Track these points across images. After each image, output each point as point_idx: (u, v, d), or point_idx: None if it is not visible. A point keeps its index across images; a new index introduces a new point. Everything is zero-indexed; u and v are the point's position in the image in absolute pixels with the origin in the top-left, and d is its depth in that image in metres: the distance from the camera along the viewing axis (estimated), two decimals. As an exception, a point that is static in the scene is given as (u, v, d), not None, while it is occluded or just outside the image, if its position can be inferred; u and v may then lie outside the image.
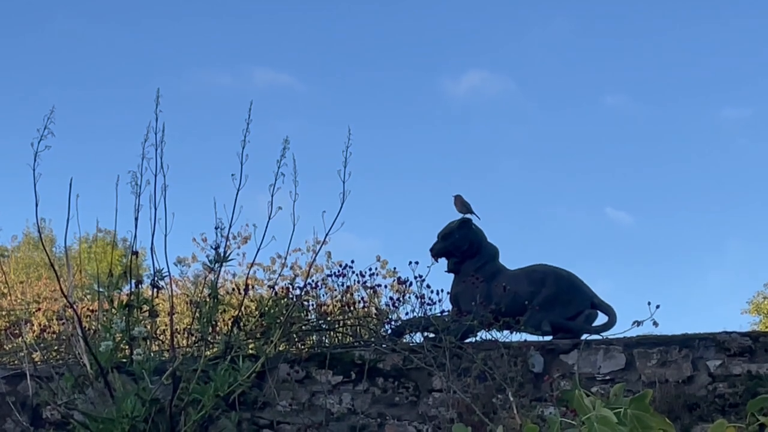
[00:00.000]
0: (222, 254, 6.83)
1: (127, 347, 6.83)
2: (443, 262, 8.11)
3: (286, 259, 8.50)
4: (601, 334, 7.55)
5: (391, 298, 8.02)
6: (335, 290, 8.44)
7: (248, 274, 8.66)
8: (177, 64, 36.28)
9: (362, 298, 8.36)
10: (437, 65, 35.22)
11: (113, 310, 6.82)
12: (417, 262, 7.86)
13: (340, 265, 8.36)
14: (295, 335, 7.63)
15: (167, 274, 6.85)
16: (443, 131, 33.44)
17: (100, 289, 7.00)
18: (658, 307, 7.03)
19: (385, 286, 8.51)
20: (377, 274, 8.57)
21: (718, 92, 34.14)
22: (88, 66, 37.23)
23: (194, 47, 36.05)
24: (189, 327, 7.70)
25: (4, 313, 13.86)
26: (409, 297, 7.88)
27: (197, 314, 7.05)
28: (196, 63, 36.74)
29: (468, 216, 8.17)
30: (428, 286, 7.84)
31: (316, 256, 8.06)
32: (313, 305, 8.00)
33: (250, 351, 7.15)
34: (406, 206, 30.16)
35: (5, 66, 37.04)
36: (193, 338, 7.41)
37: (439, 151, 32.69)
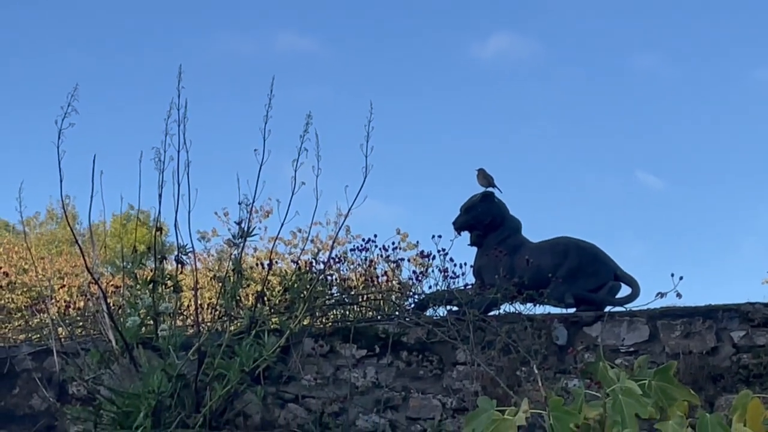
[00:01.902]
0: (245, 229, 6.85)
1: (151, 323, 6.87)
2: (466, 235, 8.11)
3: (309, 233, 8.51)
4: (625, 306, 7.54)
5: (414, 272, 8.03)
6: (358, 264, 8.45)
7: (271, 248, 8.69)
8: (200, 30, 36.13)
9: (385, 272, 8.37)
10: (464, 28, 34.88)
11: (138, 285, 6.85)
12: (440, 236, 7.88)
13: (363, 239, 8.36)
14: (318, 310, 7.65)
15: (191, 249, 6.88)
16: (470, 95, 33.18)
17: (125, 265, 7.01)
18: (681, 278, 7.04)
19: (408, 260, 8.52)
20: (399, 248, 8.58)
21: (750, 53, 33.68)
22: (110, 34, 37.11)
23: (218, 11, 35.81)
24: (213, 303, 7.73)
25: (25, 289, 13.91)
26: (432, 271, 7.89)
27: (221, 289, 7.08)
28: (220, 27, 36.53)
29: (490, 189, 8.16)
30: (451, 260, 7.85)
31: (339, 230, 8.05)
32: (336, 279, 8.01)
33: (274, 326, 7.17)
34: (432, 172, 29.99)
35: (31, 34, 36.95)
36: (218, 313, 7.44)
37: (466, 116, 32.47)
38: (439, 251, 7.81)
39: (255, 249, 16.34)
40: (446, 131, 32.15)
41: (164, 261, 6.93)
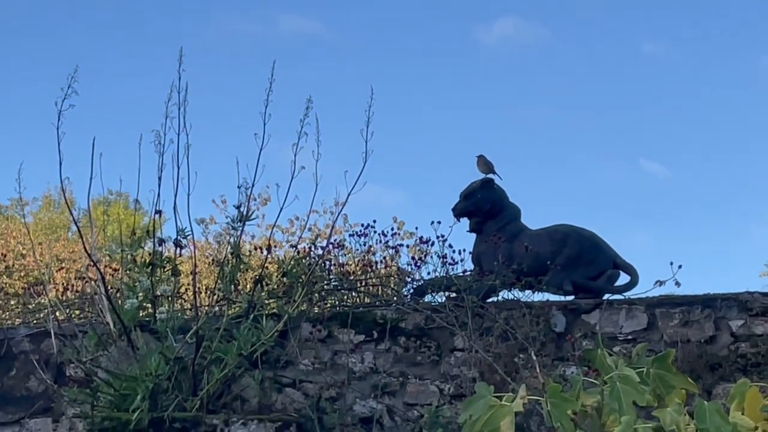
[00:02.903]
0: (245, 213, 6.85)
1: (149, 306, 6.87)
2: (465, 221, 8.10)
3: (307, 220, 8.49)
4: (623, 294, 7.54)
5: (413, 258, 8.02)
6: (356, 251, 8.44)
7: (270, 234, 8.68)
8: (203, 10, 35.97)
9: (383, 258, 8.36)
10: (469, 12, 34.71)
11: (136, 269, 6.85)
12: (439, 222, 7.87)
13: (362, 225, 8.36)
14: (316, 295, 7.65)
15: (190, 233, 6.87)
16: (474, 80, 33.06)
17: (124, 249, 7.01)
18: (680, 267, 7.03)
19: (406, 246, 8.52)
20: (398, 235, 8.58)
21: (758, 39, 33.54)
22: (111, 14, 36.94)
23: None
24: (211, 287, 7.73)
25: (23, 273, 13.93)
26: (431, 257, 7.89)
27: (220, 273, 7.08)
28: (223, 6, 36.37)
29: (490, 176, 8.15)
30: (450, 246, 7.85)
31: (337, 217, 8.05)
32: (334, 265, 8.01)
33: (272, 310, 7.17)
34: (434, 157, 29.93)
35: (30, 15, 36.82)
36: (216, 297, 7.44)
37: (470, 101, 32.37)
38: (438, 237, 7.81)
39: (252, 236, 16.32)
40: (450, 115, 32.10)
41: (163, 244, 6.92)
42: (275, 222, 7.78)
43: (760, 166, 31.42)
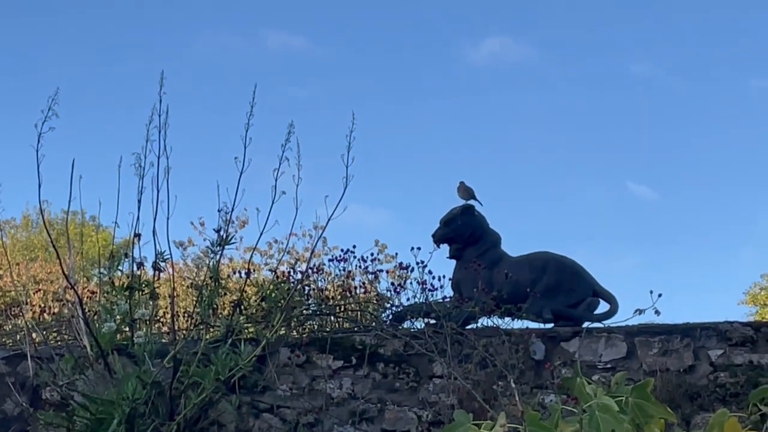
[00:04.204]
0: (224, 237, 6.82)
1: (127, 329, 6.83)
2: (445, 247, 8.10)
3: (286, 244, 8.47)
4: (603, 322, 7.55)
5: (392, 284, 8.01)
6: (336, 275, 8.42)
7: (249, 258, 8.65)
8: (191, 29, 35.86)
9: (363, 284, 8.34)
10: (457, 30, 34.56)
11: (114, 292, 6.81)
12: (419, 248, 7.86)
13: (342, 250, 8.34)
14: (295, 320, 7.63)
15: (169, 256, 6.84)
16: (461, 99, 32.91)
17: (102, 271, 6.97)
18: (660, 295, 7.03)
19: (386, 272, 8.50)
20: (377, 260, 8.57)
21: (747, 62, 33.56)
22: (94, 33, 36.78)
23: (208, 9, 35.51)
24: (190, 310, 7.69)
25: (1, 294, 13.84)
26: (411, 283, 7.88)
27: (198, 297, 7.05)
28: (210, 26, 36.23)
29: (471, 202, 8.15)
30: (430, 272, 7.84)
31: (317, 242, 8.01)
32: (313, 290, 7.99)
33: (251, 335, 7.15)
34: (419, 177, 29.81)
35: (10, 31, 36.64)
36: (194, 321, 7.41)
37: (457, 120, 32.22)
38: (417, 263, 7.81)
39: (231, 259, 16.26)
40: (436, 135, 32.01)
41: (142, 267, 6.89)
42: (255, 245, 7.74)
43: (748, 190, 31.47)
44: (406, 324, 7.72)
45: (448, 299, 7.76)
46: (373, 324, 7.69)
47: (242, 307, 7.20)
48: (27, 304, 9.20)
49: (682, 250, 29.64)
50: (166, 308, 7.61)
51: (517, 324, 7.54)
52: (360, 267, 8.27)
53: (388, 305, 7.98)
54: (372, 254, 8.38)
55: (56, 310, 8.80)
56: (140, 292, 6.80)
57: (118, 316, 6.73)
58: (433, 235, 8.05)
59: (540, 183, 31.74)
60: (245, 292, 7.41)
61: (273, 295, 7.29)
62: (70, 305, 7.66)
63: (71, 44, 36.76)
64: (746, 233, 32.76)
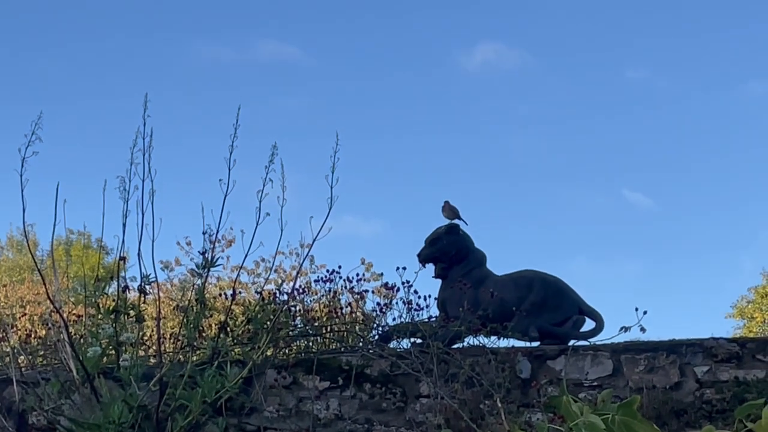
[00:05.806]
0: (209, 259, 6.82)
1: (113, 352, 6.81)
2: (431, 267, 8.10)
3: (273, 263, 8.47)
4: (589, 340, 7.56)
5: (378, 304, 8.01)
6: (322, 295, 8.41)
7: (236, 278, 8.65)
8: (180, 38, 35.78)
9: (349, 303, 8.34)
10: (450, 36, 34.51)
11: (99, 315, 6.80)
12: (404, 268, 7.88)
13: (327, 270, 8.33)
14: (282, 341, 7.62)
15: (154, 279, 6.83)
16: (455, 105, 32.86)
17: (87, 294, 6.96)
18: (645, 312, 7.05)
19: (372, 291, 8.50)
20: (363, 280, 8.57)
21: (743, 66, 33.50)
22: (82, 44, 36.62)
23: (198, 19, 35.42)
24: (176, 332, 7.68)
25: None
26: (397, 302, 7.88)
27: (184, 320, 7.03)
28: (201, 36, 36.13)
29: (456, 221, 8.17)
30: (416, 292, 7.85)
31: (303, 261, 8.01)
32: (299, 310, 7.98)
33: (237, 356, 7.13)
34: (414, 186, 29.72)
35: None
36: (180, 343, 7.39)
37: (450, 126, 32.15)
38: (403, 283, 7.82)
39: (218, 278, 16.24)
40: (430, 142, 31.93)
41: (127, 290, 6.88)
42: (240, 266, 7.74)
43: (746, 194, 31.50)
44: (393, 344, 7.72)
45: (434, 319, 7.77)
46: (360, 344, 7.69)
47: (228, 328, 7.19)
48: (13, 327, 9.16)
49: (679, 258, 29.65)
50: (152, 330, 7.59)
51: (503, 343, 7.55)
52: (346, 286, 8.27)
53: (375, 325, 7.98)
54: (358, 274, 8.38)
55: (43, 333, 8.78)
56: (126, 315, 6.79)
57: (103, 340, 6.72)
58: (419, 255, 8.06)
59: (535, 190, 31.76)
60: (232, 312, 7.40)
61: (259, 316, 7.28)
62: (55, 328, 7.64)
63: (57, 59, 36.70)
64: (745, 241, 32.78)
